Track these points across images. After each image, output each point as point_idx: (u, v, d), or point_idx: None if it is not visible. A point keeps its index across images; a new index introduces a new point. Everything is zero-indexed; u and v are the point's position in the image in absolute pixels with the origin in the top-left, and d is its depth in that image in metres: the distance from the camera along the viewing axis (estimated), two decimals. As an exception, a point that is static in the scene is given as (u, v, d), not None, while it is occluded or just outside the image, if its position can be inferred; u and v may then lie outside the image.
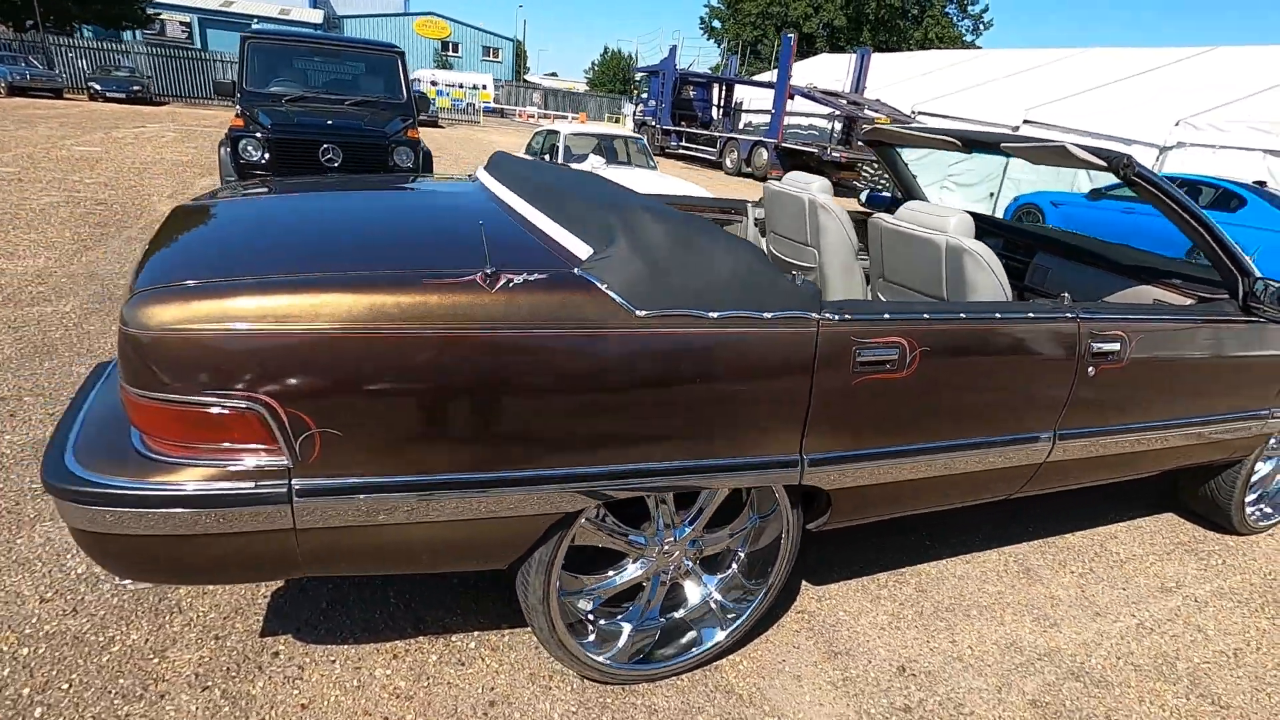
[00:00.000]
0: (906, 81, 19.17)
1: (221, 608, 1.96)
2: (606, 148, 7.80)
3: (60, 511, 1.33)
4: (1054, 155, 2.31)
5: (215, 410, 1.25)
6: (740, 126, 22.87)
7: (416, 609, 2.03)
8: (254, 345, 1.23)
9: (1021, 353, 1.89)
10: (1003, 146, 2.58)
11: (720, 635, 1.90)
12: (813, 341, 1.57)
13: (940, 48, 32.65)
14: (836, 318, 1.60)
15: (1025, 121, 13.80)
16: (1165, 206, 2.23)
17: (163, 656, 1.78)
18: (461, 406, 1.35)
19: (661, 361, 1.46)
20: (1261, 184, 9.51)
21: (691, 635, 1.90)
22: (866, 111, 15.83)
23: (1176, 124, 11.70)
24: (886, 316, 1.66)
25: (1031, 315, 1.87)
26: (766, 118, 22.22)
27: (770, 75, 23.47)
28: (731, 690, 1.88)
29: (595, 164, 7.17)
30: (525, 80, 52.88)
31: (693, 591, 1.93)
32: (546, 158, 7.56)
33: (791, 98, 16.78)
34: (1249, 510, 2.88)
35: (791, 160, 16.93)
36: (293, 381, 1.25)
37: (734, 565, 1.97)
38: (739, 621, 1.91)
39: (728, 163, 18.61)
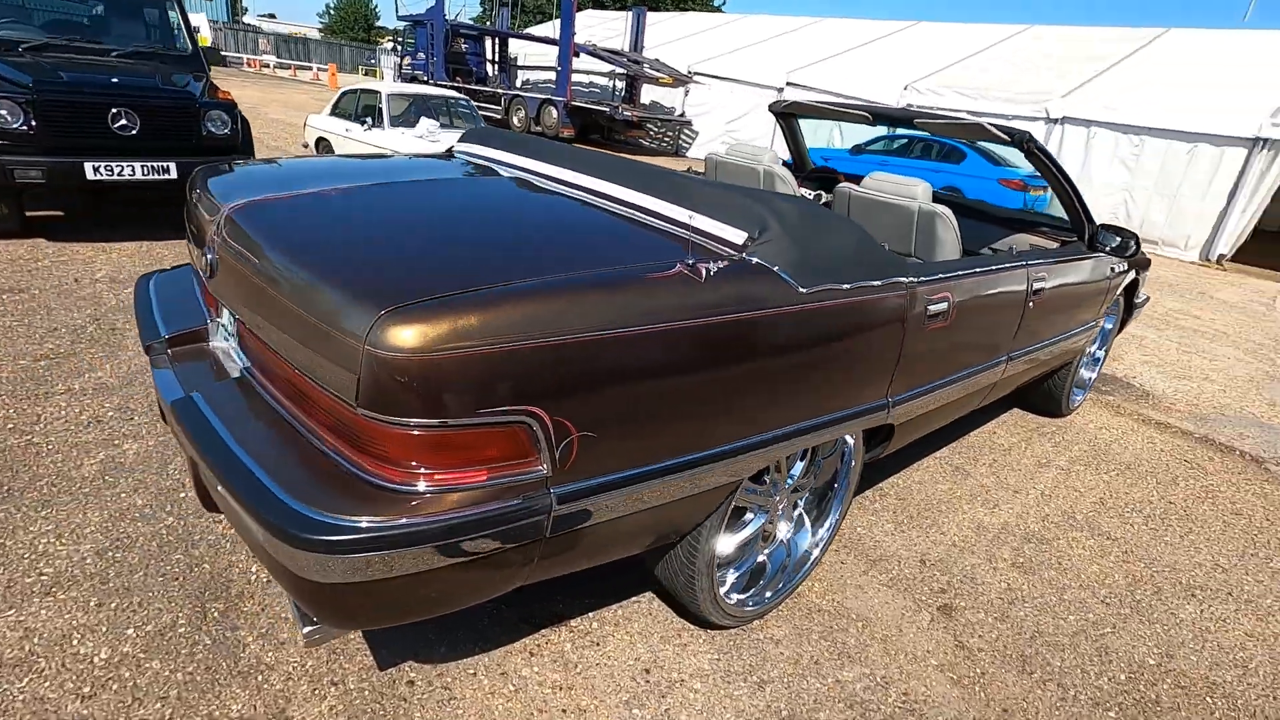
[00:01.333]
0: (679, 41, 20.18)
1: (313, 654, 1.77)
2: (431, 109, 7.31)
3: (283, 563, 1.16)
4: (970, 130, 2.82)
5: (482, 429, 1.18)
6: (519, 84, 22.37)
7: (516, 609, 2.01)
8: (522, 356, 1.18)
9: (1004, 295, 2.37)
10: (916, 122, 3.06)
11: (808, 559, 2.17)
12: (906, 301, 1.86)
13: (693, 9, 34.61)
14: (917, 280, 1.90)
15: (789, 84, 15.42)
16: (1048, 173, 2.86)
17: (287, 718, 1.59)
18: (683, 392, 1.41)
19: (817, 332, 1.64)
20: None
21: (783, 569, 2.14)
22: (649, 70, 16.46)
23: (905, 88, 13.94)
24: (940, 276, 2.00)
25: (1009, 266, 2.35)
26: (544, 75, 22.02)
27: (545, 29, 23.16)
28: (820, 609, 2.17)
29: (429, 128, 6.73)
30: (242, 23, 45.75)
31: (782, 529, 2.17)
32: (368, 121, 6.90)
33: (577, 55, 16.81)
34: (1073, 397, 3.85)
35: (581, 119, 17.11)
36: (559, 389, 1.23)
37: (802, 502, 2.23)
38: (820, 549, 2.20)
39: (515, 121, 18.17)
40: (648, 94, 18.11)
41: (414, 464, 1.18)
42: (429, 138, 6.53)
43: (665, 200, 1.75)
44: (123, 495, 2.26)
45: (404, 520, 1.15)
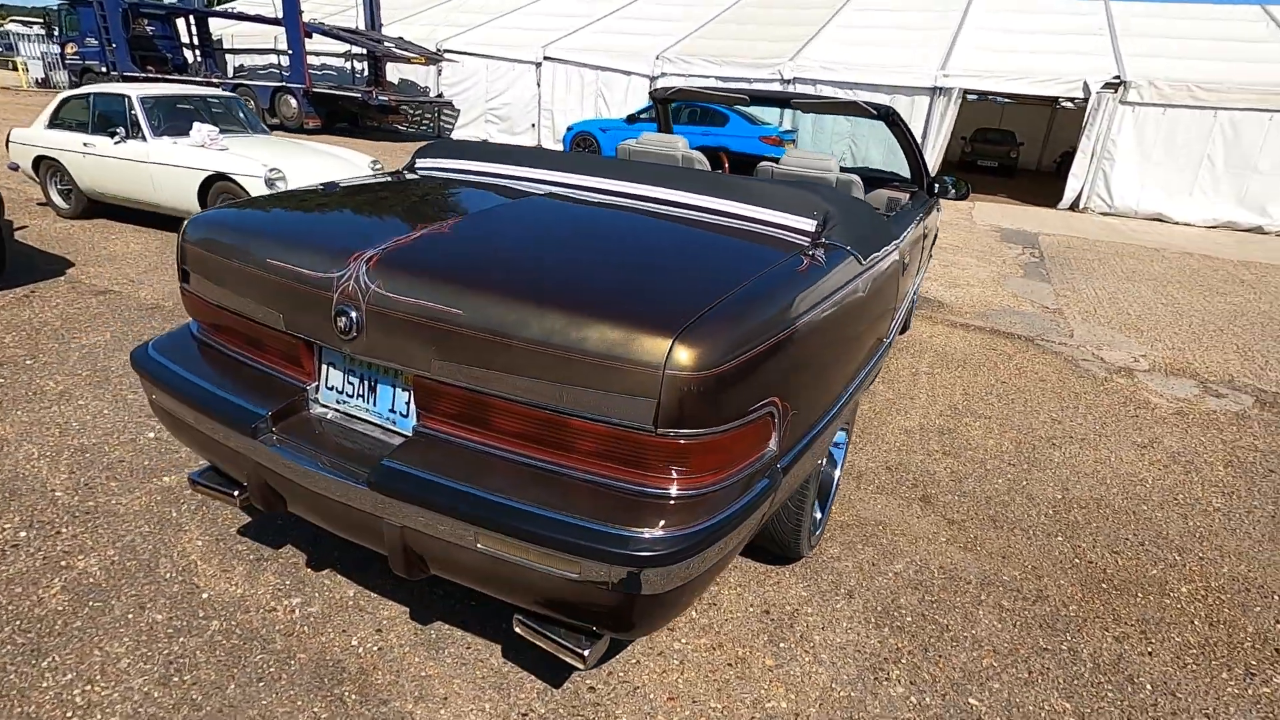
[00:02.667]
0: (423, 13, 19.11)
1: (484, 698, 1.74)
2: (199, 111, 6.29)
3: (593, 593, 1.22)
4: (845, 107, 3.35)
5: (750, 423, 1.33)
6: (233, 71, 19.56)
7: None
8: (765, 354, 1.34)
9: (922, 240, 2.93)
10: (793, 102, 3.51)
11: (834, 484, 2.57)
12: (900, 256, 2.28)
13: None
14: (900, 240, 2.33)
15: (546, 58, 15.54)
16: (902, 137, 3.49)
17: (507, 759, 1.59)
18: (830, 359, 1.68)
19: (876, 292, 1.99)
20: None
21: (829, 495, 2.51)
22: (397, 50, 15.46)
23: (658, 58, 14.83)
24: (904, 233, 2.46)
25: (919, 217, 2.91)
26: (262, 59, 19.51)
27: (252, 6, 20.32)
28: (848, 524, 2.59)
29: (208, 135, 5.82)
30: None
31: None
32: (119, 133, 5.74)
33: (309, 35, 15.16)
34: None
35: (327, 107, 15.59)
36: (783, 377, 1.41)
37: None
38: (839, 473, 2.61)
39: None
40: (392, 74, 17.00)
41: (708, 469, 1.30)
42: (213, 146, 5.67)
43: (736, 201, 1.93)
44: (131, 617, 1.91)
45: (713, 518, 1.28)
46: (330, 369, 1.58)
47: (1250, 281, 7.65)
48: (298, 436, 1.52)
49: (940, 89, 12.66)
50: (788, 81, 13.84)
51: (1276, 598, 2.37)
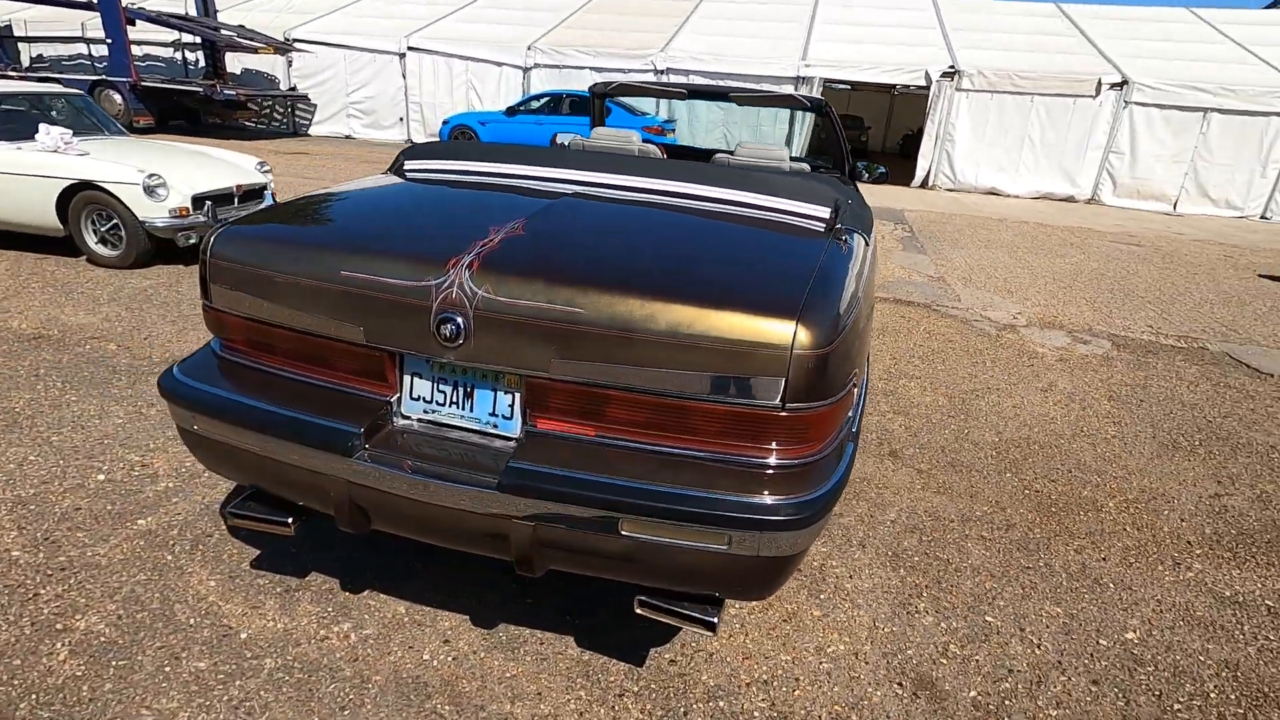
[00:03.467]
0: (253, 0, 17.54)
1: (564, 674, 1.79)
2: (44, 112, 5.50)
3: (740, 564, 1.34)
4: (781, 101, 3.57)
5: (846, 394, 1.49)
6: (28, 64, 17.04)
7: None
8: (854, 328, 1.50)
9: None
10: (732, 95, 3.69)
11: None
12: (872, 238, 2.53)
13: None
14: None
15: (410, 49, 14.87)
16: (831, 127, 3.77)
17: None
18: (865, 330, 1.86)
19: (874, 274, 2.20)
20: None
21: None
22: (241, 40, 14.14)
23: (529, 48, 14.64)
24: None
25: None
26: (67, 49, 17.15)
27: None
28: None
29: (61, 138, 5.13)
30: None
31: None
32: (-57, 136, 4.91)
33: (132, 23, 13.50)
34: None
35: (159, 103, 14.01)
36: (860, 348, 1.58)
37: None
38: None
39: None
40: (233, 66, 15.55)
41: (819, 438, 1.44)
42: (69, 151, 5.00)
43: (754, 192, 2.06)
44: (169, 669, 1.75)
45: (831, 481, 1.42)
46: (416, 379, 1.54)
47: (1077, 244, 8.90)
48: (392, 450, 1.48)
49: (803, 78, 13.50)
50: (661, 72, 14.17)
51: (1175, 502, 2.89)
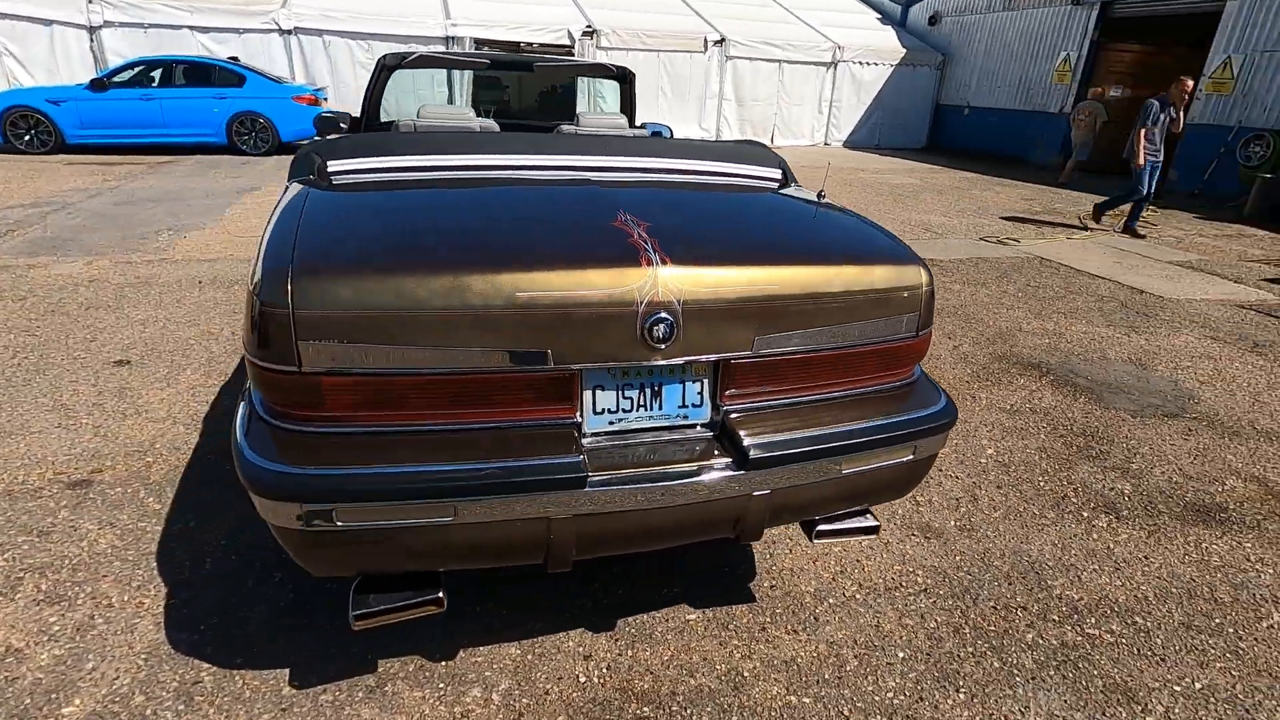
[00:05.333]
0: None
1: (715, 635, 1.92)
2: None
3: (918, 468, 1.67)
4: (589, 69, 3.67)
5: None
6: None
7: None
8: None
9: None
10: (536, 67, 3.64)
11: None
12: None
13: None
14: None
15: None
16: (629, 96, 3.98)
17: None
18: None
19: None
20: (235, 59, 11.09)
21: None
22: None
23: (91, 0, 11.43)
24: None
25: None
26: None
27: None
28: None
29: None
30: None
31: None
32: None
33: None
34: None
35: None
36: None
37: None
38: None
39: None
40: None
41: (921, 358, 1.78)
42: None
43: (720, 161, 2.21)
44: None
45: (936, 384, 1.79)
46: (599, 392, 1.44)
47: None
48: (608, 468, 1.40)
49: (454, 38, 13.16)
50: (287, 32, 12.42)
51: (1029, 327, 4.00)
